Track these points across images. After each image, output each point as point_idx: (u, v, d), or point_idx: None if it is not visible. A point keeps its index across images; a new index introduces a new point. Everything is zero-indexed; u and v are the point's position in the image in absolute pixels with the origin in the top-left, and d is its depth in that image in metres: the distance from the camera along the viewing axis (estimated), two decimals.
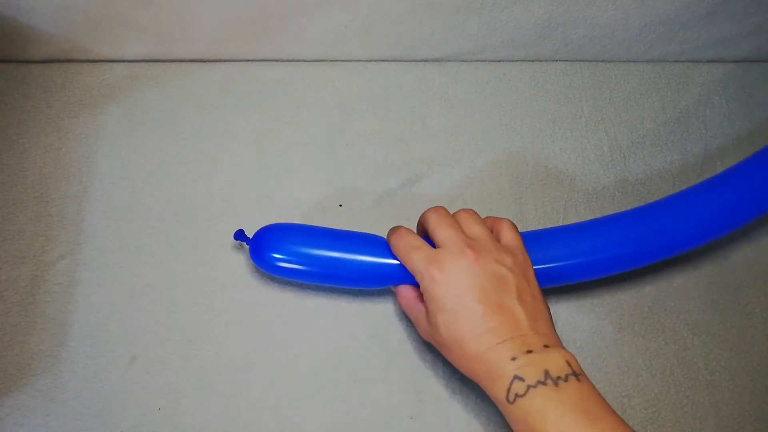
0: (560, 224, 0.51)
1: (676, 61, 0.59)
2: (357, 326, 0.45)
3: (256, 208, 0.48)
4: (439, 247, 0.38)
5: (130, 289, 0.45)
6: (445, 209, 0.40)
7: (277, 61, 0.53)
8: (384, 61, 0.55)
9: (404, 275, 0.40)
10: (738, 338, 0.49)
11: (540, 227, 0.50)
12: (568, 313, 0.47)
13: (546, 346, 0.35)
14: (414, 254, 0.38)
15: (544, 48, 0.55)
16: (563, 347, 0.36)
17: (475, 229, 0.39)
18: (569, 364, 0.34)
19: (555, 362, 0.34)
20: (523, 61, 0.56)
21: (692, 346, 0.48)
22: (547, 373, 0.33)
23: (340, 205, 0.49)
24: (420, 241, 0.39)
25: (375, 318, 0.45)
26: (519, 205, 0.51)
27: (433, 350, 0.44)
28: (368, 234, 0.43)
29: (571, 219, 0.51)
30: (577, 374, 0.34)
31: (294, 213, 0.48)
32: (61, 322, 0.43)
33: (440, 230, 0.38)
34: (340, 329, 0.45)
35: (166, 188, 0.48)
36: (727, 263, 0.51)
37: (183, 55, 0.52)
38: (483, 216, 0.41)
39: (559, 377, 0.33)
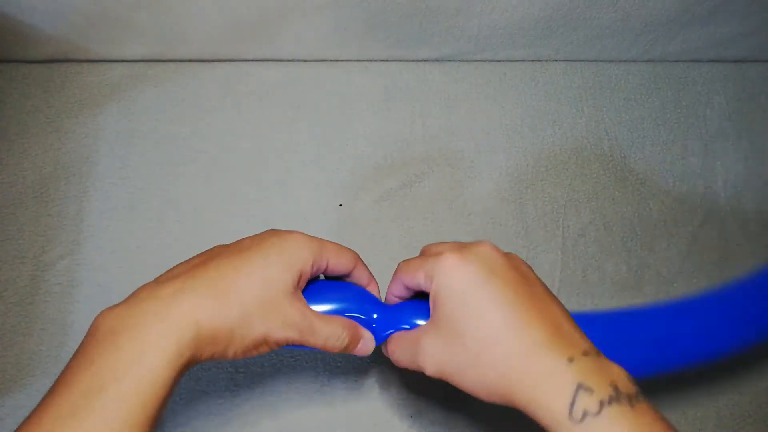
0: (560, 223, 0.51)
1: (676, 61, 0.59)
2: None
3: (256, 208, 0.48)
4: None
5: (130, 290, 0.44)
6: None
7: (277, 61, 0.53)
8: (384, 61, 0.54)
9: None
10: None
11: (540, 227, 0.50)
12: None
13: (598, 352, 0.28)
14: (424, 259, 0.32)
15: (544, 48, 0.55)
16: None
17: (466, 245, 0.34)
18: (631, 380, 0.27)
19: (619, 374, 0.27)
20: (523, 61, 0.56)
21: None
22: (616, 388, 0.26)
23: (340, 205, 0.49)
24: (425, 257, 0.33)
25: None
26: (519, 205, 0.51)
27: None
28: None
29: (571, 219, 0.51)
30: (644, 395, 0.27)
31: (294, 213, 0.48)
32: (61, 322, 0.43)
33: (432, 248, 0.34)
34: None
35: (166, 188, 0.48)
36: (727, 264, 0.51)
37: (183, 55, 0.52)
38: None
39: (630, 395, 0.26)
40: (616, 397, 0.26)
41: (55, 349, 0.42)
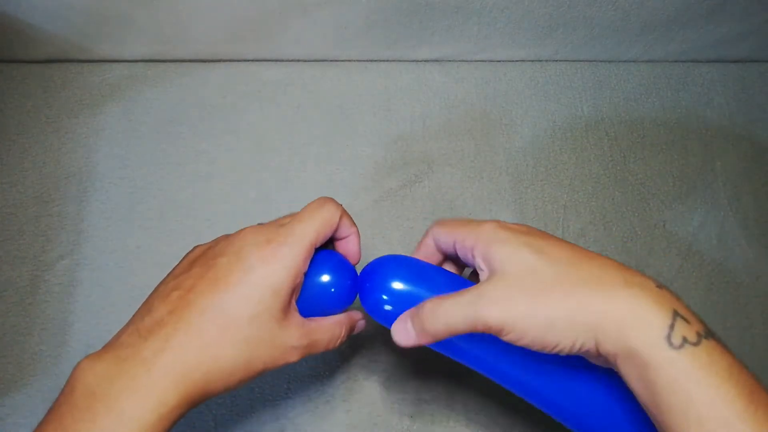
0: (560, 223, 0.51)
1: (676, 61, 0.59)
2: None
3: (256, 208, 0.48)
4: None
5: (130, 290, 0.45)
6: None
7: (277, 61, 0.53)
8: (384, 61, 0.54)
9: None
10: (738, 338, 0.49)
11: (540, 227, 0.50)
12: None
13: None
14: (466, 223, 0.31)
15: (544, 48, 0.55)
16: None
17: None
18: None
19: (694, 313, 0.25)
20: (523, 61, 0.56)
21: None
22: (704, 324, 0.25)
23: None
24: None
25: None
26: (519, 205, 0.51)
27: (434, 351, 0.43)
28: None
29: (571, 219, 0.51)
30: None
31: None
32: (61, 322, 0.43)
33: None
34: None
35: (166, 188, 0.48)
36: (727, 263, 0.51)
37: (183, 55, 0.52)
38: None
39: (717, 335, 0.25)
40: (710, 333, 0.24)
41: (55, 349, 0.42)
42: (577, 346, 0.26)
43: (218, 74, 0.52)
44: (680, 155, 0.55)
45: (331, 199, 0.33)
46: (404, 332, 0.30)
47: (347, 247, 0.35)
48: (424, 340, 0.30)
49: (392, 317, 0.32)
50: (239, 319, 0.28)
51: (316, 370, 0.44)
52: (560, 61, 0.57)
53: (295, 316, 0.31)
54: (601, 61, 0.57)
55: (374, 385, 0.44)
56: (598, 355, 0.26)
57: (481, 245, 0.30)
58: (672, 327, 0.24)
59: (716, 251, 0.52)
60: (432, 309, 0.29)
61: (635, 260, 0.50)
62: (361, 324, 0.36)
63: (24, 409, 0.41)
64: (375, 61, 0.54)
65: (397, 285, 0.33)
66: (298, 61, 0.54)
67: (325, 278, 0.33)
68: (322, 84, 0.53)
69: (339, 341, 0.33)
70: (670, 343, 0.24)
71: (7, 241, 0.45)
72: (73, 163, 0.48)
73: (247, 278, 0.29)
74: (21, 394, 0.41)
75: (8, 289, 0.44)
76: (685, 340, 0.24)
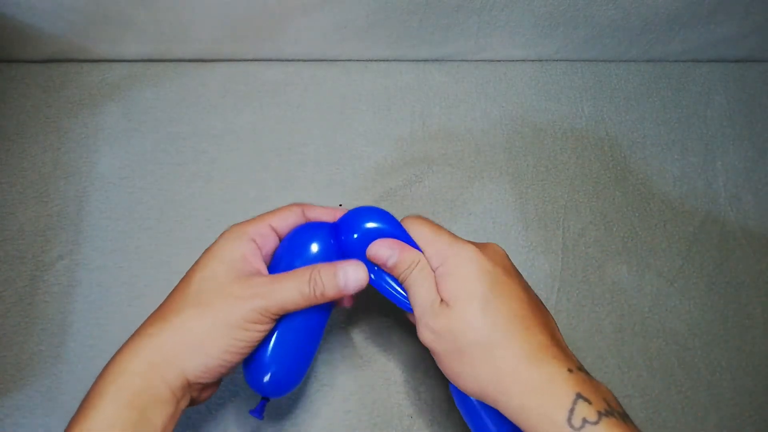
0: (560, 223, 0.51)
1: (676, 61, 0.59)
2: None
3: (256, 208, 0.48)
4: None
5: (130, 290, 0.45)
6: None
7: (277, 61, 0.53)
8: (384, 61, 0.54)
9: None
10: (738, 338, 0.49)
11: (540, 227, 0.50)
12: (567, 313, 0.47)
13: (586, 371, 0.30)
14: (440, 234, 0.33)
15: (544, 48, 0.55)
16: None
17: None
18: (618, 402, 0.29)
19: (609, 393, 0.29)
20: (523, 60, 0.56)
21: (692, 346, 0.48)
22: (610, 404, 0.27)
23: (340, 205, 0.49)
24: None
25: (374, 316, 0.45)
26: (519, 205, 0.51)
27: None
28: None
29: (571, 219, 0.51)
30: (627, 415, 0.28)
31: None
32: (60, 322, 0.43)
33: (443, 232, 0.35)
34: (339, 329, 0.45)
35: (166, 188, 0.48)
36: (727, 263, 0.51)
37: (183, 55, 0.52)
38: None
39: (621, 413, 0.28)
40: (611, 411, 0.27)
41: (54, 349, 0.42)
42: (490, 402, 0.29)
43: (218, 74, 0.52)
44: (680, 155, 0.55)
45: (291, 210, 0.37)
46: (387, 251, 0.34)
47: (325, 218, 0.38)
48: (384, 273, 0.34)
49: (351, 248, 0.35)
50: (190, 286, 0.31)
51: (316, 370, 0.44)
52: (561, 60, 0.57)
53: (256, 276, 0.32)
54: (601, 61, 0.57)
55: (374, 385, 0.44)
56: None
57: (441, 271, 0.32)
58: (572, 411, 0.26)
59: (716, 251, 0.52)
60: (419, 272, 0.33)
61: (636, 260, 0.50)
62: (347, 274, 0.34)
63: (24, 409, 0.41)
64: (375, 60, 0.54)
65: (371, 225, 0.36)
66: (298, 60, 0.54)
67: (297, 240, 0.36)
68: (322, 84, 0.53)
69: (317, 289, 0.32)
70: (571, 425, 0.26)
71: (6, 241, 0.45)
72: (72, 163, 0.48)
73: (207, 253, 0.33)
74: (21, 394, 0.41)
75: (8, 289, 0.44)
76: (585, 420, 0.26)
